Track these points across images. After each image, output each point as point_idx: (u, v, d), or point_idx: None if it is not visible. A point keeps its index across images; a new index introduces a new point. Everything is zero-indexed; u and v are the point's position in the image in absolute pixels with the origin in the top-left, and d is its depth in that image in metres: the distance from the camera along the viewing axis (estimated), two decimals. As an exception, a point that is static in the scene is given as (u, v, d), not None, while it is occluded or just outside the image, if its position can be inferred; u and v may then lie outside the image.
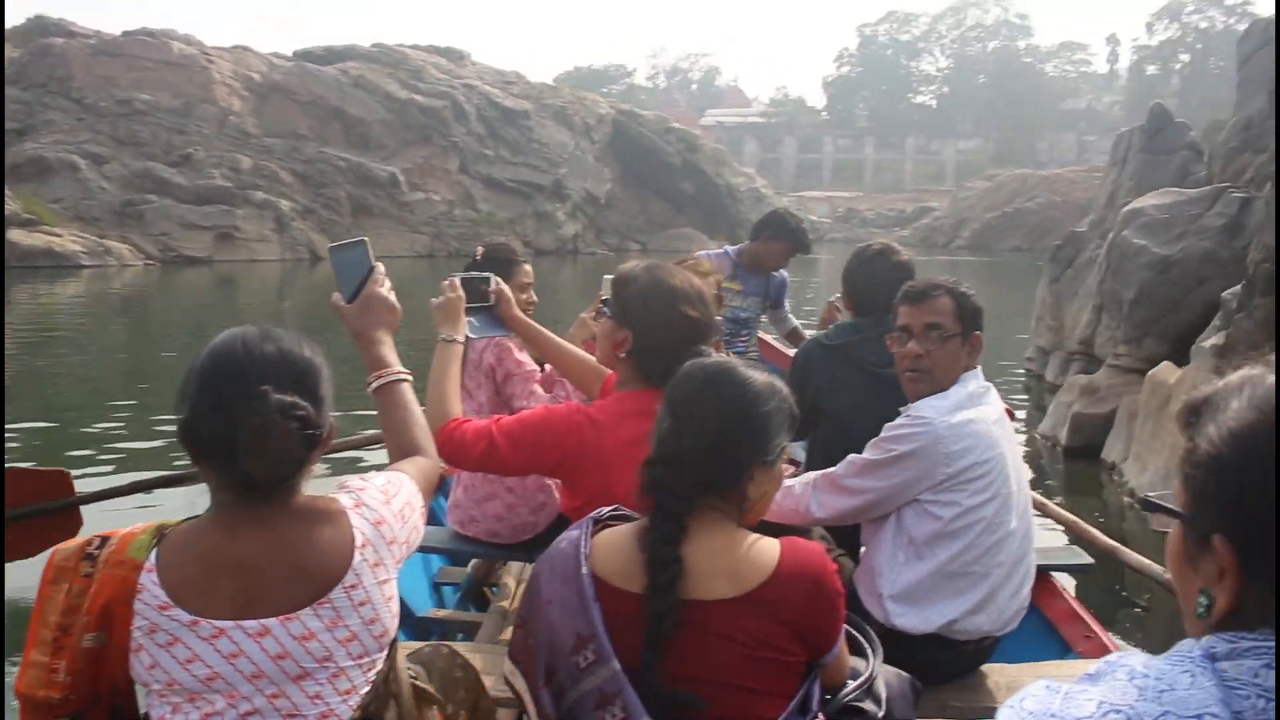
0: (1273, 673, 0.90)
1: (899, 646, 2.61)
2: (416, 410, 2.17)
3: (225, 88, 36.14)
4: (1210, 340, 7.23)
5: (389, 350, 2.19)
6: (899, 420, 2.81)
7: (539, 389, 3.69)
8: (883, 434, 2.82)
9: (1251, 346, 6.72)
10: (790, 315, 6.19)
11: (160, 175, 32.48)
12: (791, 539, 1.96)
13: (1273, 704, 0.89)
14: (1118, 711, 0.92)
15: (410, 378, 2.19)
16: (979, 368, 2.95)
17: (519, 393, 3.67)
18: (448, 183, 38.96)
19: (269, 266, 31.88)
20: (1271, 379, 1.00)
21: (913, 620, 2.76)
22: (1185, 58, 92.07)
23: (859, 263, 3.77)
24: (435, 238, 37.77)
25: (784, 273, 6.00)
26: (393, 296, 2.24)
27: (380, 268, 2.24)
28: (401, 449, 2.11)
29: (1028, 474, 3.39)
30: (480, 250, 3.86)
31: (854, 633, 2.28)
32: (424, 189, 38.08)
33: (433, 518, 4.60)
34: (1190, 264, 9.26)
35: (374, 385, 2.16)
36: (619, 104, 50.96)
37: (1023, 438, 10.20)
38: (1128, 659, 1.00)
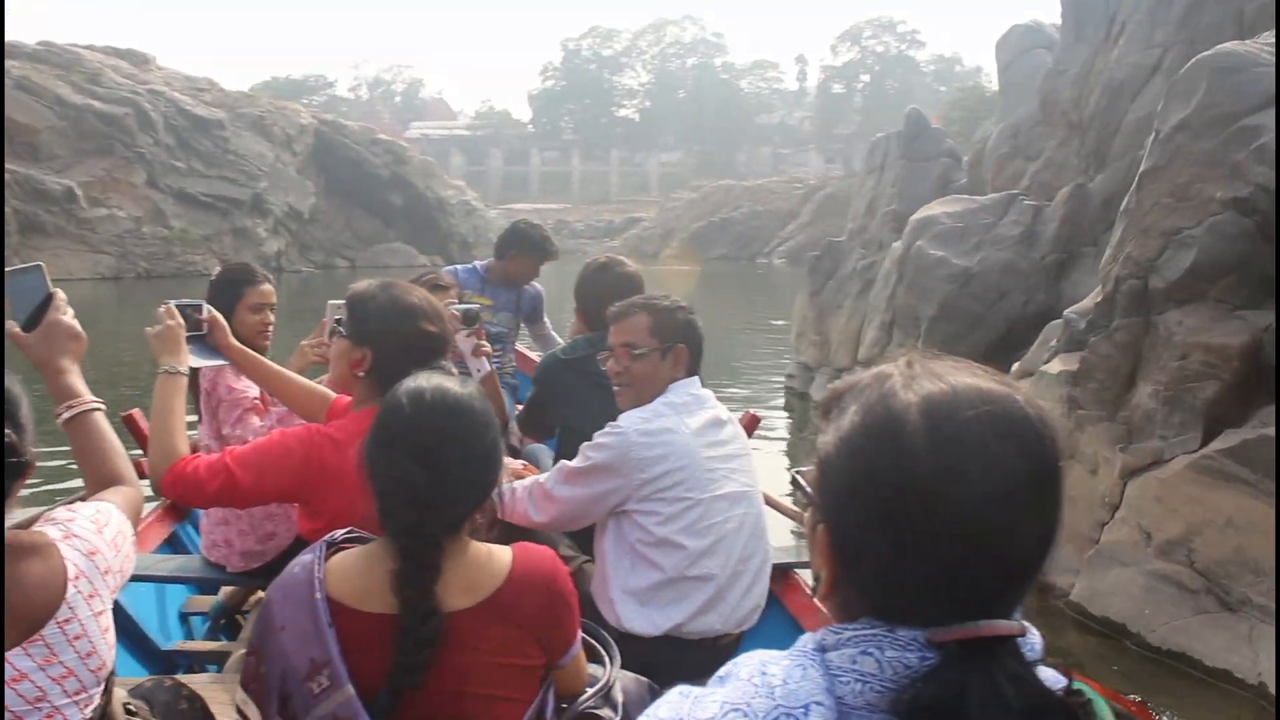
0: (869, 657, 0.93)
1: (636, 650, 2.66)
2: (113, 438, 2.14)
3: None
4: (1056, 365, 6.44)
5: (77, 379, 2.15)
6: (600, 430, 2.96)
7: (255, 418, 3.59)
8: (586, 444, 2.97)
9: (1111, 372, 5.96)
10: (552, 332, 6.04)
11: None
12: (524, 544, 2.03)
13: (868, 685, 0.92)
14: (737, 710, 0.94)
15: (104, 406, 2.17)
16: (694, 377, 3.09)
17: (228, 420, 3.59)
18: (134, 197, 35.12)
19: (-83, 293, 27.61)
20: (895, 380, 0.99)
21: (642, 624, 2.85)
22: (866, 78, 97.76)
23: (585, 277, 3.99)
24: (121, 258, 33.94)
25: (537, 286, 5.88)
26: (76, 323, 2.21)
27: (61, 294, 2.22)
28: (102, 479, 2.07)
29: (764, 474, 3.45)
30: (217, 270, 3.94)
31: (591, 640, 2.35)
32: (106, 204, 34.13)
33: (180, 545, 4.40)
34: (991, 276, 8.62)
35: (64, 417, 2.11)
36: (321, 114, 48.09)
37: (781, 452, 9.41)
38: (755, 658, 1.02)
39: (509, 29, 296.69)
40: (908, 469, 0.94)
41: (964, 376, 0.98)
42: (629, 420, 2.93)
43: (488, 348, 3.70)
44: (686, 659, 2.82)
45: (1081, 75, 9.38)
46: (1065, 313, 6.56)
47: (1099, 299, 6.07)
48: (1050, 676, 0.98)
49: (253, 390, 3.63)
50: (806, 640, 1.00)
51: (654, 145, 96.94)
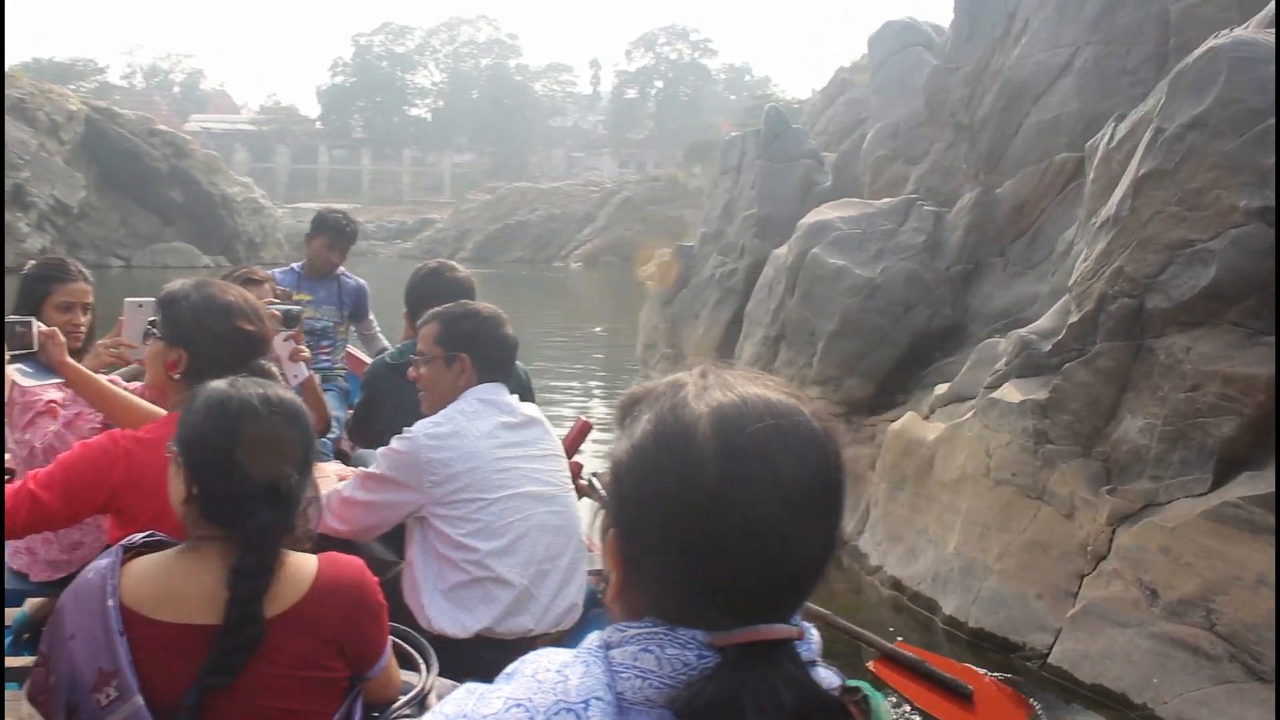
0: (649, 655, 0.95)
1: (453, 653, 2.62)
2: None
3: None
4: (1012, 393, 5.68)
5: None
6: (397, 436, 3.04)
7: (49, 422, 3.35)
8: (381, 449, 3.05)
9: (1089, 403, 5.24)
10: (379, 333, 6.10)
11: None
12: (330, 554, 1.98)
13: (647, 681, 0.94)
14: (519, 705, 0.96)
15: None
16: (492, 384, 3.14)
17: (19, 423, 3.39)
18: None
19: None
20: (688, 390, 1.01)
21: (452, 626, 2.87)
22: (660, 84, 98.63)
23: (415, 281, 4.06)
24: None
25: (360, 281, 5.97)
26: None
27: None
28: None
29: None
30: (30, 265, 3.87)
31: (406, 647, 2.34)
32: None
33: None
34: (895, 288, 7.87)
35: None
36: (93, 101, 44.42)
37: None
38: (543, 655, 1.04)
39: (296, 21, 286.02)
40: (695, 478, 0.95)
41: (754, 388, 1.01)
42: (419, 426, 3.01)
43: (306, 352, 3.67)
44: (504, 660, 2.49)
45: (975, 74, 8.78)
46: (1022, 333, 5.82)
47: (1074, 319, 5.33)
48: (827, 676, 1.00)
49: (48, 393, 3.45)
50: (593, 638, 1.02)
51: (447, 146, 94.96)
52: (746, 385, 1.01)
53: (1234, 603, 4.47)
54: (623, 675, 0.95)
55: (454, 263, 4.20)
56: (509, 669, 1.05)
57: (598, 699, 0.94)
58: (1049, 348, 5.53)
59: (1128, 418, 5.07)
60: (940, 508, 6.16)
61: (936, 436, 6.36)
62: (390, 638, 2.11)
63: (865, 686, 1.03)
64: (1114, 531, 5.03)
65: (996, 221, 7.96)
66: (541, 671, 0.99)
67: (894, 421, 7.40)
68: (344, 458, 4.62)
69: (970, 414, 6.09)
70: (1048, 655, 5.15)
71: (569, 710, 0.93)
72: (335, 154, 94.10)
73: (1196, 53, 4.89)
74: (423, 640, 2.44)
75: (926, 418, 6.88)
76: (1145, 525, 4.84)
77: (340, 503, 3.03)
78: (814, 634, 1.01)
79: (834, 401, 8.00)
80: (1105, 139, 6.04)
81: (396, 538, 3.22)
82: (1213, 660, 4.51)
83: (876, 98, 11.07)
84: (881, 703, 1.04)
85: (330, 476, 3.26)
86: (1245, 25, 5.79)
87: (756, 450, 0.95)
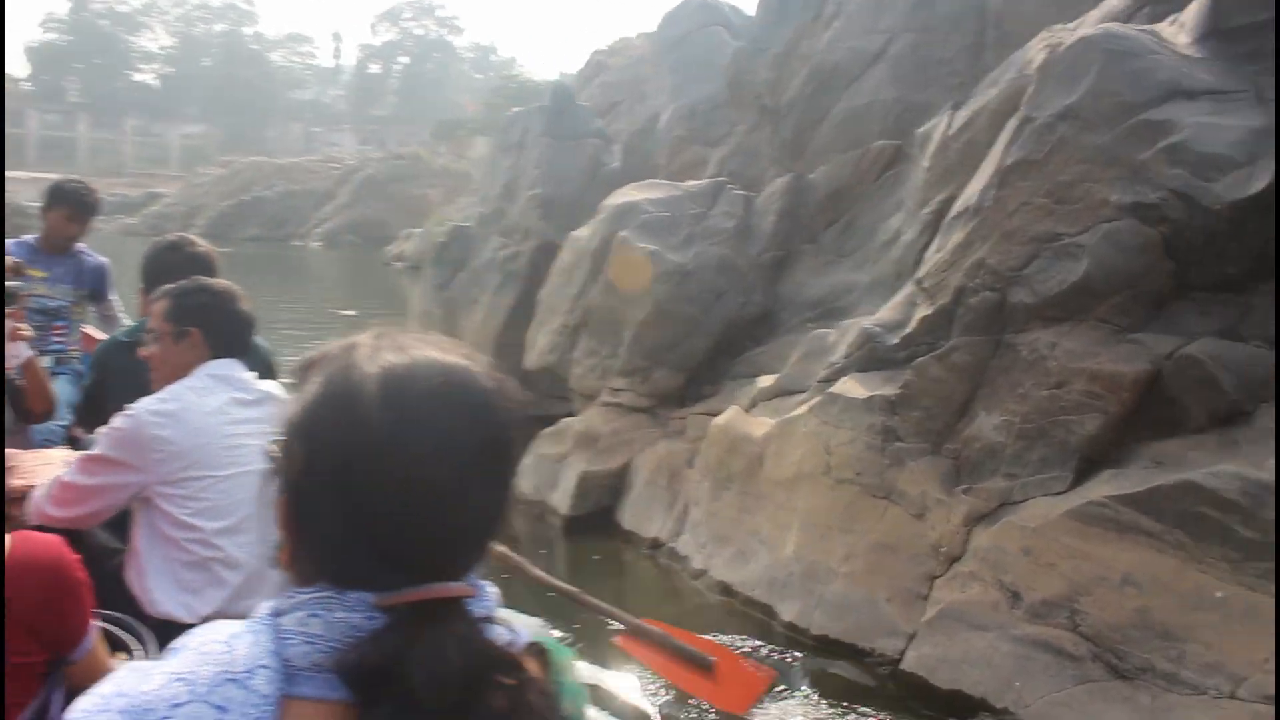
0: (317, 619, 0.93)
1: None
2: None
3: None
4: (855, 388, 5.45)
5: None
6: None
7: None
8: (102, 429, 2.94)
9: (942, 399, 5.06)
10: (120, 313, 5.71)
11: None
12: (24, 533, 1.91)
13: (315, 646, 0.92)
14: (180, 679, 0.92)
15: None
16: (225, 360, 3.03)
17: None
18: None
19: None
20: (360, 352, 0.99)
21: (180, 610, 2.77)
22: (405, 60, 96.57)
23: (152, 255, 3.88)
24: None
25: (101, 258, 5.66)
26: None
27: None
28: None
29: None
30: None
31: (119, 632, 2.32)
32: None
33: None
34: (707, 275, 7.56)
35: None
36: None
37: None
38: (211, 628, 0.99)
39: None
40: (359, 438, 0.94)
41: (427, 350, 1.00)
42: (143, 403, 2.90)
43: (27, 331, 3.54)
44: None
45: (782, 57, 8.59)
46: (866, 325, 5.59)
47: (926, 312, 5.13)
48: (502, 633, 0.99)
49: None
50: (264, 607, 0.99)
51: (175, 115, 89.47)
52: (420, 347, 1.00)
53: (1098, 603, 4.37)
54: (290, 642, 0.93)
55: (194, 237, 4.05)
56: (176, 643, 1.00)
57: (263, 667, 0.91)
58: (897, 341, 5.32)
59: (982, 414, 4.92)
60: (773, 508, 5.88)
61: (766, 433, 6.08)
62: (102, 624, 1.99)
63: (547, 642, 1.04)
64: (969, 532, 4.87)
65: (809, 208, 7.79)
66: (208, 644, 0.96)
67: (704, 414, 7.13)
68: (74, 443, 4.34)
69: (804, 409, 5.84)
70: (900, 661, 4.95)
71: (232, 680, 0.91)
72: (47, 119, 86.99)
73: (1068, 41, 4.75)
74: (138, 625, 2.40)
75: (748, 411, 6.60)
76: (1005, 525, 4.69)
77: (61, 489, 2.87)
78: (490, 590, 1.00)
79: (641, 394, 7.64)
80: (942, 127, 5.90)
81: (122, 525, 3.08)
82: (1075, 661, 4.39)
83: (672, 77, 10.79)
84: (564, 657, 1.05)
85: (56, 463, 3.12)
86: (1077, 22, 5.78)
87: (423, 410, 0.95)
